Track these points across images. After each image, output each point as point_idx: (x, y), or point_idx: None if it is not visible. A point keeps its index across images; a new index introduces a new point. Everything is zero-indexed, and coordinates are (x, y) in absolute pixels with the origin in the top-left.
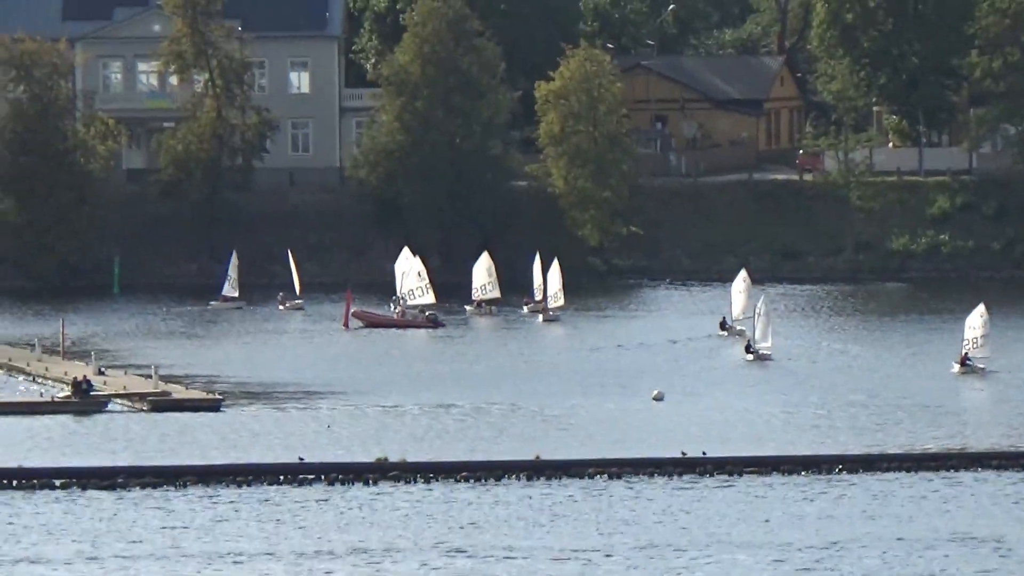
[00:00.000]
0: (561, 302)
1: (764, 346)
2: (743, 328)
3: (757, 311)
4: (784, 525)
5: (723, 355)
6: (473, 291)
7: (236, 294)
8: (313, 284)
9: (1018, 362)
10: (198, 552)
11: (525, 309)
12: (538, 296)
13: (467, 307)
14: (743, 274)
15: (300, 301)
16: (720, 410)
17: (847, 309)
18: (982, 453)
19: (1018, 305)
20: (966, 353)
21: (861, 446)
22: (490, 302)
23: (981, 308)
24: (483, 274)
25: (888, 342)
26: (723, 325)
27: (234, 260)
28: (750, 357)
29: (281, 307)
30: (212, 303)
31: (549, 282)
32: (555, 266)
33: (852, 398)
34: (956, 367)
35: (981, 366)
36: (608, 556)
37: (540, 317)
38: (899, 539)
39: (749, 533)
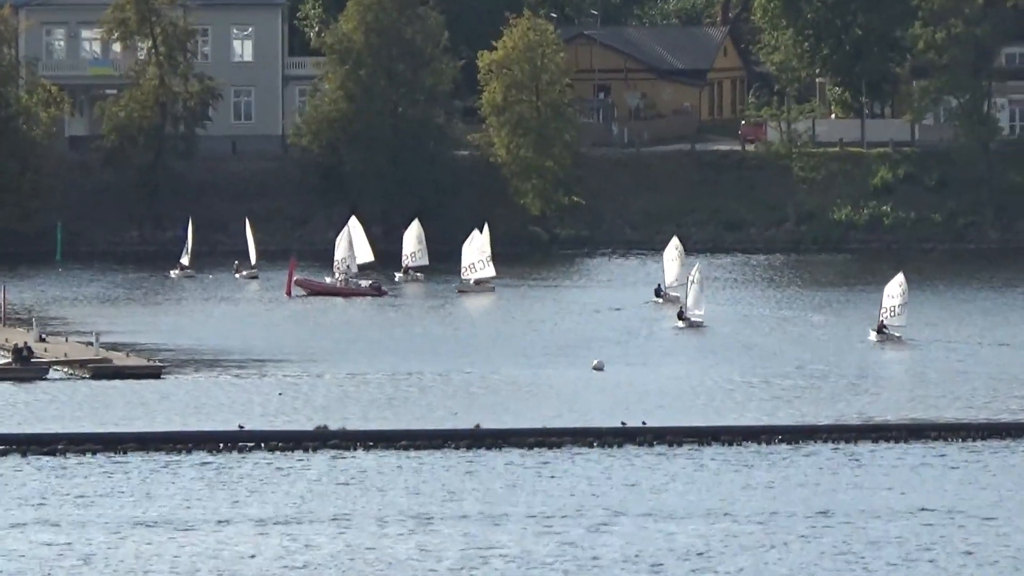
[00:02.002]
0: (490, 272)
1: (697, 313)
2: (678, 295)
3: (691, 279)
4: (724, 495)
5: (659, 322)
6: (403, 258)
7: (187, 263)
8: (244, 253)
9: (940, 332)
10: (139, 518)
11: (472, 280)
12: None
13: (396, 274)
14: (675, 242)
15: (255, 269)
16: (659, 379)
17: (785, 279)
18: (922, 424)
19: (954, 276)
20: (883, 321)
21: (797, 416)
22: (418, 269)
23: (900, 277)
24: (413, 241)
25: (820, 310)
26: (658, 292)
27: (190, 228)
28: (682, 324)
29: (236, 275)
30: (173, 272)
31: (465, 253)
32: (477, 235)
33: (783, 367)
34: (873, 335)
35: (897, 334)
36: (548, 524)
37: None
38: (840, 510)
39: (688, 503)
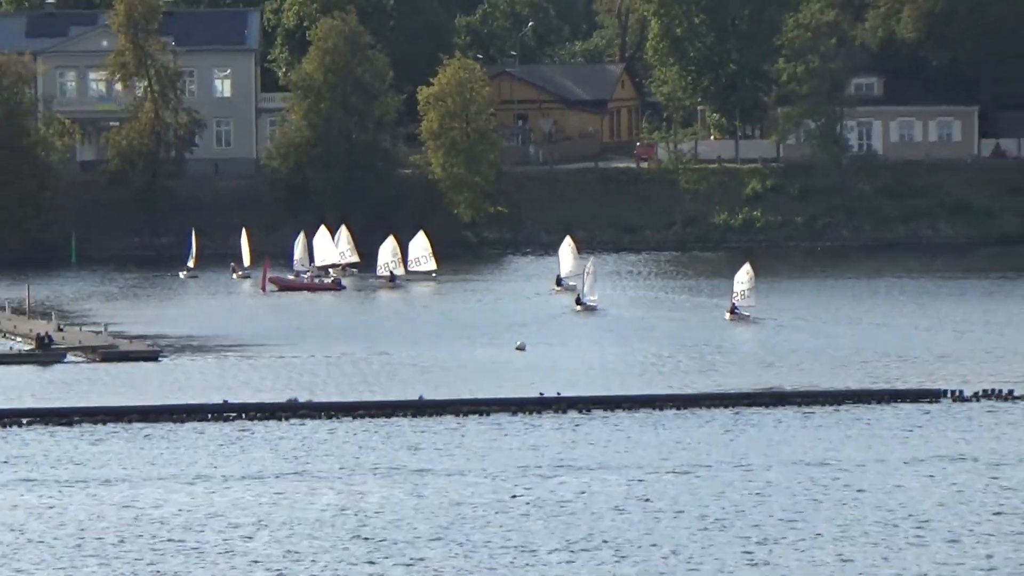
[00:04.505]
0: (400, 271)
1: (592, 299)
2: (574, 284)
3: (586, 270)
4: (626, 452)
5: (561, 307)
6: (338, 256)
7: (192, 265)
8: (236, 256)
9: (806, 313)
10: (142, 477)
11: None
12: (422, 266)
13: (330, 270)
14: (568, 240)
15: (249, 270)
16: (571, 357)
17: (670, 272)
18: (787, 392)
19: (815, 268)
20: (734, 304)
21: (682, 386)
22: (352, 265)
23: (747, 267)
24: (344, 243)
25: (696, 296)
26: (558, 281)
27: (194, 237)
28: (579, 308)
29: (234, 276)
30: (181, 274)
31: (380, 254)
32: (390, 239)
33: (665, 343)
34: (727, 315)
35: (747, 314)
36: (485, 478)
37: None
38: (729, 463)
39: (593, 458)
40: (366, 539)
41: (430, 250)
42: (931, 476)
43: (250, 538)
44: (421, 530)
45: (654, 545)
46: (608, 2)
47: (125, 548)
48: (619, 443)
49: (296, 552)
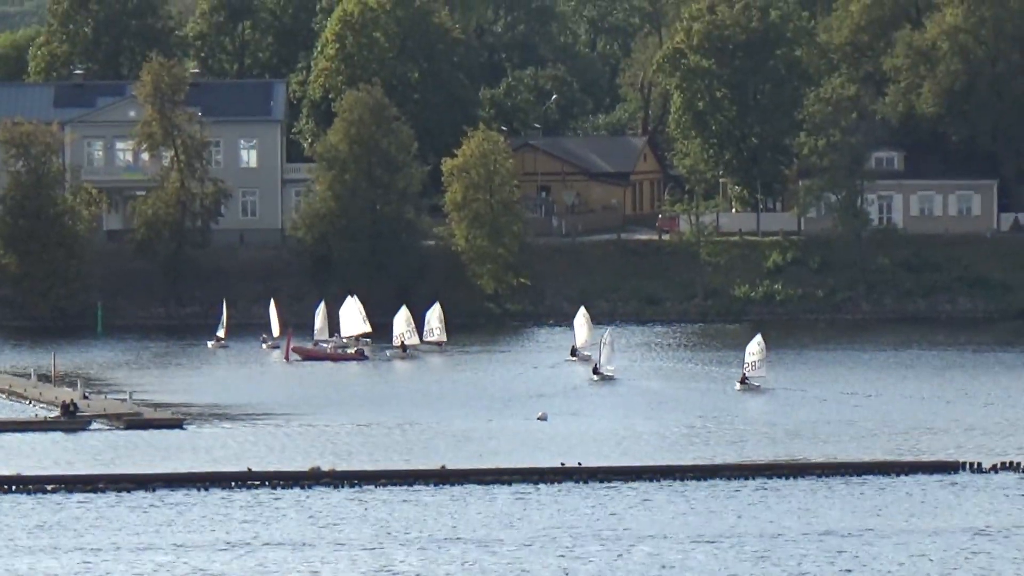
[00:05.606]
0: (415, 340)
1: (609, 369)
2: (589, 354)
3: (603, 341)
4: (649, 521)
5: (579, 377)
6: (360, 326)
7: (222, 335)
8: (261, 325)
9: (801, 383)
10: (166, 544)
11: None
12: (435, 336)
13: (344, 340)
14: (582, 311)
15: (278, 340)
16: (591, 426)
17: (689, 344)
18: (806, 463)
19: (827, 339)
20: (744, 374)
21: (701, 457)
22: (365, 335)
23: (758, 338)
24: (357, 313)
25: (712, 368)
26: (573, 352)
27: (224, 307)
28: (596, 378)
29: (264, 346)
30: (210, 343)
31: (396, 324)
32: (403, 310)
33: (681, 413)
34: (737, 385)
35: (757, 384)
36: (519, 549)
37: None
38: (751, 534)
39: (617, 527)
40: None
41: (443, 321)
42: (950, 546)
43: None
44: None
45: None
46: (631, 76)
47: None
48: (642, 513)
49: None
